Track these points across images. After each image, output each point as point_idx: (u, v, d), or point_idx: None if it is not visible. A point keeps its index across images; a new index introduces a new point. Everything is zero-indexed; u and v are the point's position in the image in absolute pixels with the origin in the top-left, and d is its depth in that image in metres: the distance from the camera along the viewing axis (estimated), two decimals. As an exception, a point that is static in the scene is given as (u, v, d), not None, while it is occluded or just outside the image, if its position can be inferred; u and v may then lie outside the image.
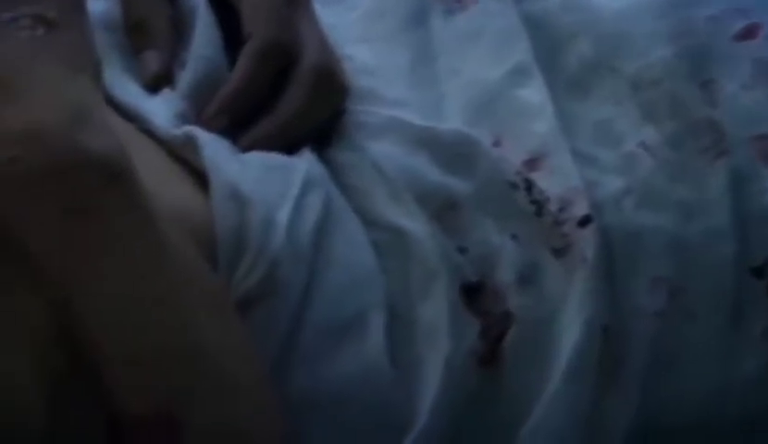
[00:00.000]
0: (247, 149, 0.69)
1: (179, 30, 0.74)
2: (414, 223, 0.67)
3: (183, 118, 0.70)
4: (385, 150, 0.71)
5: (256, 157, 0.68)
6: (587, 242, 0.66)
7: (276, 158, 0.69)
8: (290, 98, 0.71)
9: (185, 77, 0.72)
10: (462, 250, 0.67)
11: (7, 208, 0.54)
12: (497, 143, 0.70)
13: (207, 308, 0.58)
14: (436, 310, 0.65)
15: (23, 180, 0.54)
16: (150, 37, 0.73)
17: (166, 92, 0.72)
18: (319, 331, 0.63)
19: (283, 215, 0.65)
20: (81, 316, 0.54)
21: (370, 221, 0.68)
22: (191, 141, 0.67)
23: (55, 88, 0.56)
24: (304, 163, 0.69)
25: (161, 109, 0.70)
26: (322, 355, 0.63)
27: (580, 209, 0.67)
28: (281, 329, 0.62)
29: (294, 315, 0.63)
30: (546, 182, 0.68)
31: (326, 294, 0.64)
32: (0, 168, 0.53)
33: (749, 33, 0.73)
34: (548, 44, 0.74)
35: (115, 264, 0.55)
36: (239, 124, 0.71)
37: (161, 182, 0.62)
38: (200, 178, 0.66)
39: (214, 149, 0.67)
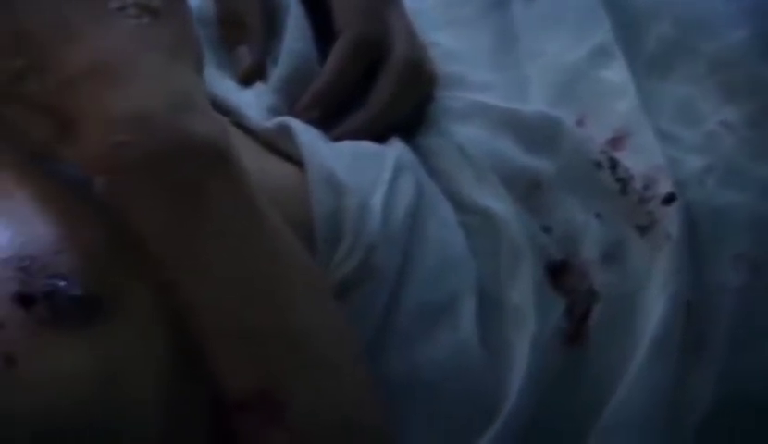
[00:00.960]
0: (338, 140, 0.70)
1: (271, 25, 0.75)
2: (500, 204, 0.68)
3: (275, 112, 0.71)
4: (470, 133, 0.72)
5: (348, 146, 0.70)
6: (671, 220, 0.67)
7: (367, 146, 0.70)
8: (380, 91, 0.72)
9: (277, 71, 0.74)
10: (546, 229, 0.68)
11: (116, 194, 0.55)
12: (580, 123, 0.71)
13: (307, 291, 0.59)
14: (522, 291, 0.66)
15: (131, 165, 0.55)
16: (243, 32, 0.75)
17: (258, 86, 0.73)
18: (413, 315, 0.64)
19: (377, 201, 0.65)
20: (188, 299, 0.56)
21: (459, 204, 0.69)
22: (285, 130, 0.68)
23: (160, 75, 0.57)
24: (395, 150, 0.70)
25: (254, 103, 0.72)
26: (416, 339, 0.64)
27: (664, 187, 0.68)
28: (377, 313, 0.63)
29: (389, 299, 0.64)
30: (630, 161, 0.69)
31: (420, 278, 0.65)
32: (109, 154, 0.55)
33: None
34: (627, 25, 0.74)
35: (220, 246, 0.56)
36: (330, 116, 0.72)
37: (258, 171, 0.62)
38: (293, 168, 0.67)
39: (309, 136, 0.68)
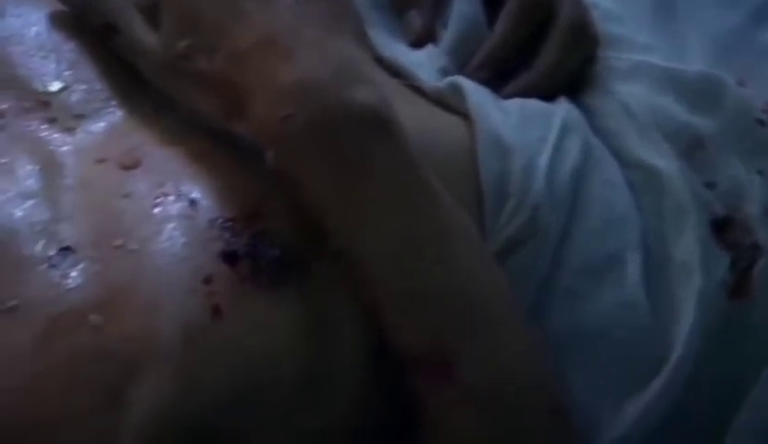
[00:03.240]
0: (507, 99, 0.72)
1: (441, -10, 0.77)
2: (664, 160, 0.69)
3: (446, 73, 0.73)
4: (633, 92, 0.73)
5: (516, 104, 0.71)
6: None
7: (535, 105, 0.71)
8: (548, 52, 0.74)
9: (447, 34, 0.76)
10: (709, 185, 0.69)
11: (285, 163, 0.57)
12: (740, 84, 0.72)
13: (471, 251, 0.60)
14: (687, 246, 0.67)
15: (299, 136, 0.56)
16: None
17: (429, 49, 0.76)
18: (577, 272, 0.65)
19: (543, 161, 0.67)
20: (360, 263, 0.57)
21: (623, 161, 0.71)
22: (456, 90, 0.70)
23: (322, 47, 0.58)
24: (562, 109, 0.71)
25: (425, 64, 0.74)
26: (580, 296, 0.65)
27: None
28: (541, 272, 0.65)
29: (553, 258, 0.65)
30: None
31: (584, 236, 0.66)
32: (277, 125, 0.56)
33: None
34: None
35: (387, 210, 0.57)
36: (499, 77, 0.74)
37: (427, 131, 0.65)
38: (463, 126, 0.69)
39: (479, 96, 0.70)
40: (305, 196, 0.57)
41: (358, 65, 0.59)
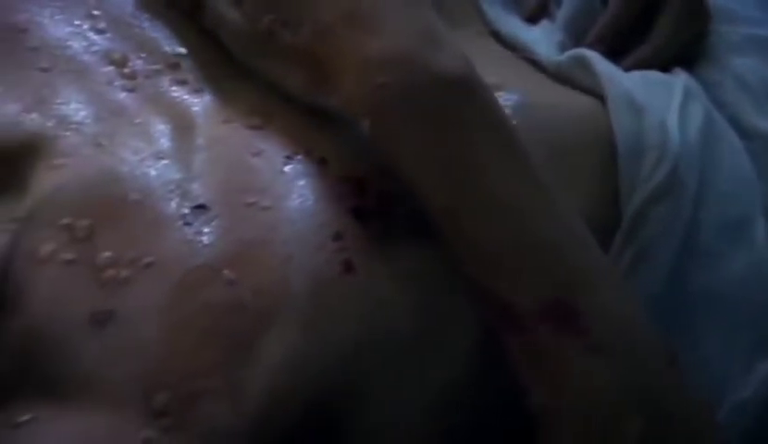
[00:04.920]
0: (626, 71, 0.73)
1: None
2: None
3: (563, 47, 0.74)
4: (747, 64, 0.74)
5: (638, 74, 0.72)
6: None
7: (656, 74, 0.72)
8: (662, 25, 0.75)
9: (562, 10, 0.77)
10: None
11: (382, 132, 0.58)
12: None
13: (562, 206, 0.60)
14: None
15: (393, 105, 0.57)
16: None
17: (544, 24, 0.77)
18: (712, 231, 0.66)
19: (673, 122, 0.67)
20: (464, 226, 0.57)
21: (741, 131, 0.71)
22: (581, 61, 0.71)
23: (406, 16, 0.59)
24: (681, 78, 0.72)
25: (542, 39, 0.75)
26: (716, 255, 0.66)
27: None
28: (680, 228, 0.65)
29: (691, 215, 0.66)
30: None
31: (714, 197, 0.67)
32: (371, 96, 0.57)
33: None
34: None
35: (484, 169, 0.57)
36: (615, 52, 0.74)
37: (552, 102, 0.66)
38: (588, 98, 0.70)
39: (605, 64, 0.71)
40: (403, 160, 0.58)
41: (441, 29, 0.60)
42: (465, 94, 0.58)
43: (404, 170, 0.57)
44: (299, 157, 0.58)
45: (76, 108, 0.57)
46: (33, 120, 0.56)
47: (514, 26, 0.76)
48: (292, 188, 0.57)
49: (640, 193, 0.65)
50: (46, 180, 0.54)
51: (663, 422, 0.58)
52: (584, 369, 0.57)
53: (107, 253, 0.53)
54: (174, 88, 0.60)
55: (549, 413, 0.58)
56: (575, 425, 0.57)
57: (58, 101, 0.57)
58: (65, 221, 0.53)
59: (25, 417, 0.50)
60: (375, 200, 0.57)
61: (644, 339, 0.59)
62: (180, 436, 0.50)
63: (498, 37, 0.75)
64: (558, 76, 0.72)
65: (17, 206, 0.54)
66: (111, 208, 0.54)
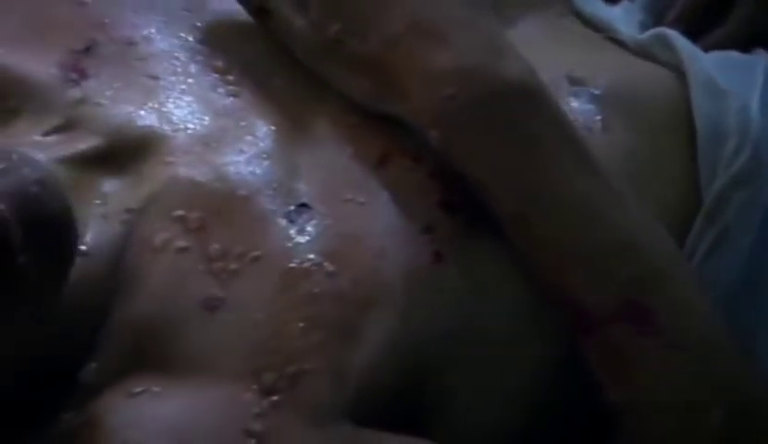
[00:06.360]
0: (705, 51, 0.74)
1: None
2: None
3: (643, 26, 0.76)
4: None
5: (718, 55, 0.73)
6: None
7: (736, 55, 0.74)
8: (742, 6, 0.77)
9: None
10: None
11: (449, 142, 0.60)
12: None
13: (630, 204, 0.62)
14: None
15: (461, 115, 0.59)
16: None
17: (625, 4, 0.79)
18: None
19: (754, 105, 0.68)
20: (537, 231, 0.60)
21: None
22: (662, 40, 0.72)
23: (471, 27, 0.61)
24: (762, 59, 0.73)
25: (623, 19, 0.76)
26: None
27: None
28: (760, 212, 0.66)
29: None
30: None
31: None
32: (439, 107, 0.59)
33: None
34: None
35: (553, 173, 0.60)
36: (694, 32, 0.76)
37: (635, 79, 0.68)
38: (669, 75, 0.71)
39: (687, 44, 0.72)
40: (471, 169, 0.60)
41: (505, 38, 0.62)
42: (529, 101, 0.60)
43: (473, 178, 0.60)
44: (392, 155, 0.61)
45: (184, 111, 0.61)
46: (145, 120, 0.60)
47: (594, 6, 0.78)
48: (385, 184, 0.60)
49: (722, 178, 0.67)
50: (159, 175, 0.59)
51: (743, 410, 0.61)
52: (662, 365, 0.60)
53: (217, 245, 0.57)
54: (275, 92, 0.64)
55: (630, 410, 0.61)
56: (658, 420, 0.60)
57: (168, 105, 0.61)
58: (178, 213, 0.58)
59: (138, 389, 0.54)
60: (462, 194, 0.61)
61: (718, 331, 0.61)
62: (288, 411, 0.54)
63: (579, 17, 0.76)
64: (639, 54, 0.74)
65: (130, 198, 0.58)
66: (220, 203, 0.58)
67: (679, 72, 0.71)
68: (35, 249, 0.49)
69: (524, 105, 0.60)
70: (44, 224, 0.50)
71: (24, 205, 0.50)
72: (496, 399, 0.61)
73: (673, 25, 0.76)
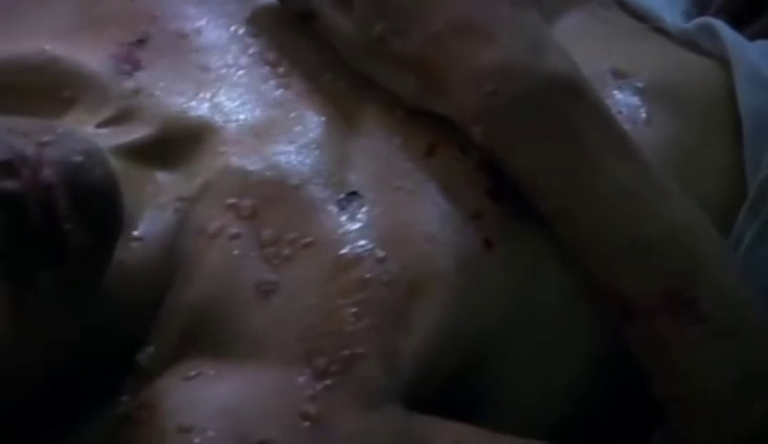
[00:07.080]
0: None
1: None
2: None
3: (688, 16, 0.77)
4: None
5: (762, 44, 0.73)
6: None
7: None
8: None
9: None
10: None
11: (492, 138, 0.61)
12: None
13: (672, 195, 0.62)
14: None
15: (504, 111, 0.60)
16: None
17: None
18: None
19: None
20: (579, 223, 0.61)
21: None
22: (708, 29, 0.73)
23: (512, 24, 0.61)
24: None
25: (667, 8, 0.77)
26: None
27: None
28: None
29: None
30: None
31: None
32: (481, 103, 0.60)
33: None
34: None
35: (594, 166, 0.60)
36: (738, 21, 0.76)
37: (680, 69, 0.68)
38: (714, 65, 0.71)
39: (732, 33, 0.72)
40: (514, 163, 0.61)
41: (547, 33, 0.63)
42: (571, 95, 0.61)
43: (516, 172, 0.61)
44: (439, 146, 0.62)
45: (236, 102, 0.62)
46: (198, 111, 0.62)
47: None
48: (434, 173, 0.61)
49: (766, 170, 0.67)
50: (212, 164, 0.60)
51: None
52: (706, 353, 0.61)
53: (269, 231, 0.58)
54: (324, 85, 0.65)
55: (676, 399, 0.62)
56: (704, 407, 0.61)
57: (220, 96, 0.62)
58: (230, 201, 0.59)
59: (193, 372, 0.56)
60: (508, 184, 0.61)
61: (761, 317, 0.62)
62: (341, 394, 0.55)
63: (623, 7, 0.77)
64: (684, 44, 0.74)
65: (184, 187, 0.59)
66: (271, 191, 0.59)
67: (724, 62, 0.71)
68: (82, 217, 0.50)
69: (565, 100, 0.61)
70: (90, 192, 0.51)
71: (70, 173, 0.51)
72: (544, 388, 0.62)
73: (717, 14, 0.77)
